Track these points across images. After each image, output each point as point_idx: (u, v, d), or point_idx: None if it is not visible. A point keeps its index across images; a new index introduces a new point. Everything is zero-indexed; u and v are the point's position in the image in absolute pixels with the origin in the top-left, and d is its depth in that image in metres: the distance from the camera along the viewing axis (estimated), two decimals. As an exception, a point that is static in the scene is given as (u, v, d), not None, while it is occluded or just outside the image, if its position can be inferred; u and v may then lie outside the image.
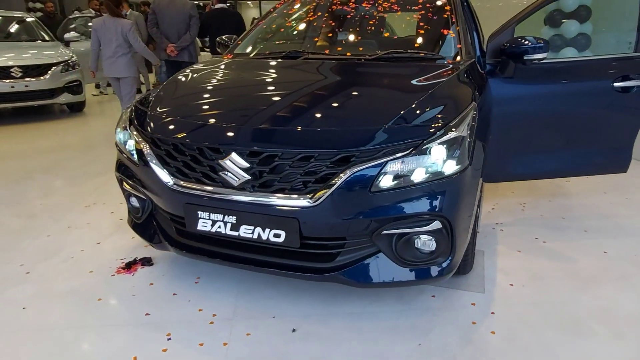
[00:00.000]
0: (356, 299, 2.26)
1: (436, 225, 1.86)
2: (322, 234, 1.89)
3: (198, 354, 1.91)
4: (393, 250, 1.89)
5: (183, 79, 2.61)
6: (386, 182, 1.79)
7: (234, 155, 1.88)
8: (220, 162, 1.91)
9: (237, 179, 1.89)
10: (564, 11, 5.01)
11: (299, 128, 1.89)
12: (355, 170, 1.77)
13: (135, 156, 2.17)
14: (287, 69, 2.65)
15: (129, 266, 2.59)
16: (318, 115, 1.99)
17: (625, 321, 2.11)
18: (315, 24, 3.13)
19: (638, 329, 2.05)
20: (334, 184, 1.77)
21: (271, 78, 2.58)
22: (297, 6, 3.31)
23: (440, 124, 1.87)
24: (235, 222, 1.94)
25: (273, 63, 2.70)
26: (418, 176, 1.81)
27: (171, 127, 2.08)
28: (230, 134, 1.94)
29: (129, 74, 5.17)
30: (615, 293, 2.33)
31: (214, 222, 1.99)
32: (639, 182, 3.84)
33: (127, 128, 2.28)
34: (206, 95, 2.38)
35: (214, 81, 2.58)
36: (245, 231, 1.94)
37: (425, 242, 1.89)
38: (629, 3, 2.88)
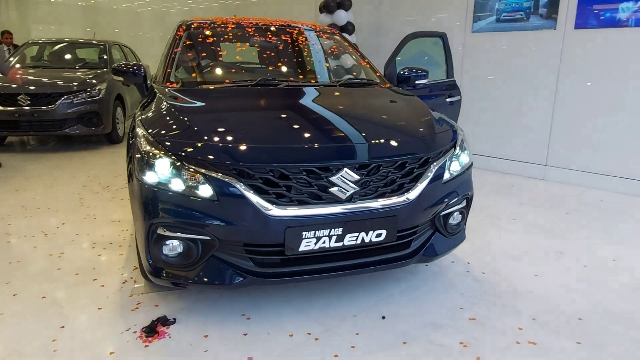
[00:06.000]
0: (384, 283, 2.68)
1: (464, 202, 2.55)
2: (409, 225, 2.28)
3: (341, 364, 2.00)
4: (443, 227, 2.47)
5: (196, 108, 2.47)
6: (447, 174, 2.36)
7: (346, 171, 2.06)
8: (331, 179, 2.04)
9: (346, 192, 2.08)
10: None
11: (393, 141, 2.23)
12: (436, 168, 2.27)
13: (212, 192, 1.97)
14: (294, 94, 2.79)
15: (153, 331, 2.18)
16: (392, 128, 2.38)
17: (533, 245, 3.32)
18: (253, 53, 3.23)
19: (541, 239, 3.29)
20: (424, 181, 2.23)
21: (299, 102, 2.68)
22: (208, 33, 3.30)
23: (454, 129, 2.58)
24: (341, 233, 2.10)
25: (265, 90, 2.76)
26: (455, 168, 2.46)
27: (263, 154, 2.02)
28: (339, 152, 2.09)
29: None
30: (513, 226, 3.55)
31: (318, 239, 2.08)
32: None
33: (171, 166, 2.02)
34: (263, 122, 2.38)
35: (243, 107, 2.56)
36: (349, 239, 2.13)
37: (455, 217, 2.55)
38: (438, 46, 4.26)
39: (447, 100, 4.10)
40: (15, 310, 2.35)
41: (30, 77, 6.59)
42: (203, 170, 1.99)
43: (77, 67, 7.43)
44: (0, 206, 4.00)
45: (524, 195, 4.54)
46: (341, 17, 6.08)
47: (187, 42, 3.21)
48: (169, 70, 2.95)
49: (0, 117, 6.03)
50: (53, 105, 6.22)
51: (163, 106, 2.43)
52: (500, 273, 2.85)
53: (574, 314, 2.40)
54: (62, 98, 6.28)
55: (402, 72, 3.41)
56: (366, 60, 3.47)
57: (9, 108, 6.08)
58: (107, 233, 3.41)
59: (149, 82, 3.06)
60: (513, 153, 5.35)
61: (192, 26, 3.35)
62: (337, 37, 3.66)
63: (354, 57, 3.54)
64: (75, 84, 6.46)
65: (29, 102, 6.15)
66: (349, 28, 6.17)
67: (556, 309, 2.45)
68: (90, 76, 6.69)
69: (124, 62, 3.04)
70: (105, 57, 7.69)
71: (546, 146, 5.05)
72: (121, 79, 3.02)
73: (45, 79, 6.51)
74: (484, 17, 5.31)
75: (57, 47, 8.14)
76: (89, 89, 6.49)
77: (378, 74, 3.37)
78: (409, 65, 3.47)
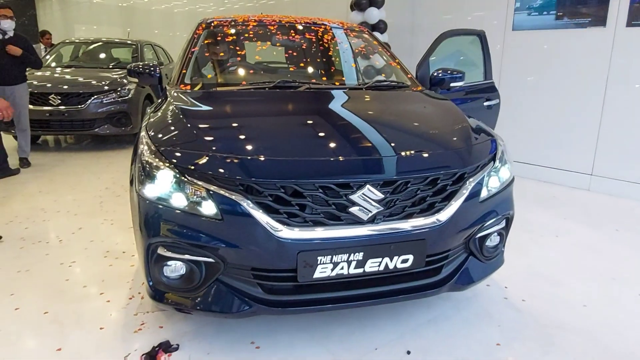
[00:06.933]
0: (413, 309, 2.42)
1: (503, 222, 2.25)
2: (440, 250, 2.02)
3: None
4: (479, 251, 2.18)
5: (205, 114, 2.27)
6: (484, 191, 2.08)
7: (368, 188, 1.81)
8: (351, 197, 1.80)
9: (369, 212, 1.83)
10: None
11: (423, 153, 1.97)
12: (472, 185, 2.00)
13: (216, 210, 1.77)
14: (316, 98, 2.56)
15: (153, 358, 2.01)
16: (422, 139, 2.12)
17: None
18: (274, 53, 3.04)
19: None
20: (458, 200, 1.96)
21: (318, 107, 2.45)
22: (227, 32, 3.11)
23: (493, 139, 2.29)
24: (361, 258, 1.86)
25: (283, 93, 2.54)
26: (494, 184, 2.16)
27: (273, 168, 1.80)
28: (361, 166, 1.86)
29: None
30: (556, 245, 3.22)
31: (335, 265, 1.84)
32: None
33: (173, 180, 1.83)
34: (276, 130, 2.15)
35: (257, 113, 2.35)
36: (371, 265, 1.88)
37: (493, 239, 2.25)
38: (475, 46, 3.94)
39: (485, 104, 3.78)
40: (14, 328, 2.22)
41: (64, 77, 6.64)
42: (206, 186, 1.79)
43: (110, 66, 7.46)
44: (21, 209, 3.96)
45: (567, 208, 4.16)
46: (373, 15, 5.81)
47: (205, 42, 3.04)
48: (184, 71, 2.78)
49: (32, 116, 6.05)
50: (84, 105, 6.23)
51: (170, 111, 2.25)
52: (542, 301, 2.54)
53: (630, 358, 2.07)
54: (93, 98, 6.29)
55: (435, 74, 3.12)
56: (397, 61, 3.21)
57: (40, 107, 6.12)
58: (122, 240, 3.28)
59: (165, 84, 2.89)
60: (555, 160, 4.94)
61: (212, 24, 3.18)
62: (366, 36, 3.41)
63: (383, 57, 3.28)
64: (105, 83, 6.45)
65: (59, 101, 6.18)
66: (380, 27, 5.89)
67: (609, 349, 2.13)
68: (120, 76, 6.67)
69: (141, 63, 2.90)
70: (137, 56, 7.69)
71: (592, 154, 4.63)
72: (136, 80, 2.87)
73: (76, 79, 6.54)
74: (526, 14, 4.92)
75: (91, 46, 8.22)
76: (118, 89, 6.48)
77: (409, 76, 3.09)
78: (444, 67, 3.18)
